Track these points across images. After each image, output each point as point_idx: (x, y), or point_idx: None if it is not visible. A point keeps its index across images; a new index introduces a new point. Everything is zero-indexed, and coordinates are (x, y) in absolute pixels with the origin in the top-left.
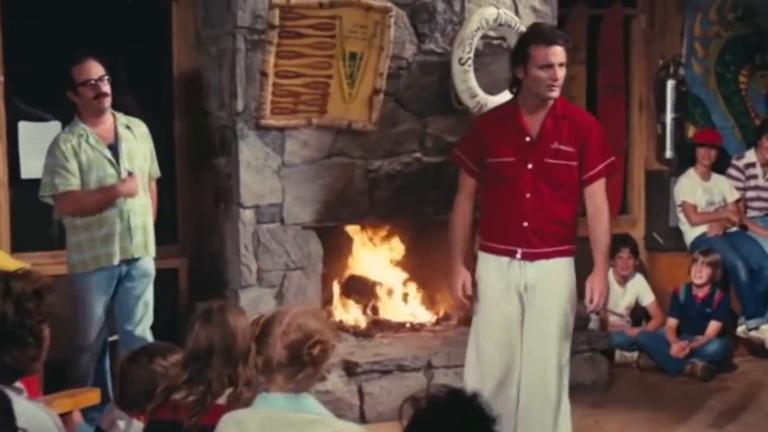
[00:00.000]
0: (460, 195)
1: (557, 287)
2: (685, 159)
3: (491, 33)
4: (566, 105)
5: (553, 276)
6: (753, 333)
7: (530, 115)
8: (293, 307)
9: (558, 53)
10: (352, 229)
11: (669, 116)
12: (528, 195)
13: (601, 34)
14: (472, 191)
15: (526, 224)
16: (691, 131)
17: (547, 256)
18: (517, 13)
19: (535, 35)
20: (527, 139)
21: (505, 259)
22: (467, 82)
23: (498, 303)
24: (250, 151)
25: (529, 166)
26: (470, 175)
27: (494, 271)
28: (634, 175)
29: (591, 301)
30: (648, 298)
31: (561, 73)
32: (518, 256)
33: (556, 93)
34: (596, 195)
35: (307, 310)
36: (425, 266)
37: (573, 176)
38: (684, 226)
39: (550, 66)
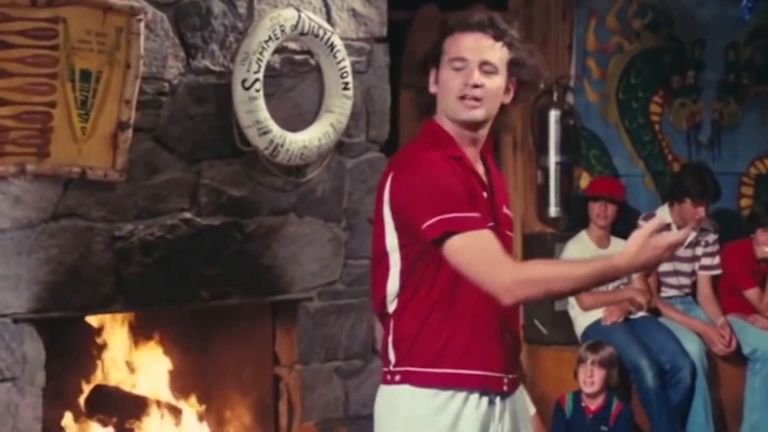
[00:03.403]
0: (505, 263)
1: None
2: (575, 218)
3: (292, 45)
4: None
5: (524, 412)
6: None
7: (474, 161)
8: None
9: (479, 45)
10: (95, 321)
11: (553, 160)
12: None
13: None
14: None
15: (508, 335)
16: (584, 180)
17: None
18: (329, 18)
19: (453, 21)
20: (484, 195)
21: (480, 397)
22: (255, 113)
23: None
24: None
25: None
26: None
27: (467, 418)
28: None
29: None
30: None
31: (483, 78)
32: (505, 387)
33: (477, 112)
34: None
35: None
36: (206, 370)
37: None
38: (574, 310)
39: (462, 61)
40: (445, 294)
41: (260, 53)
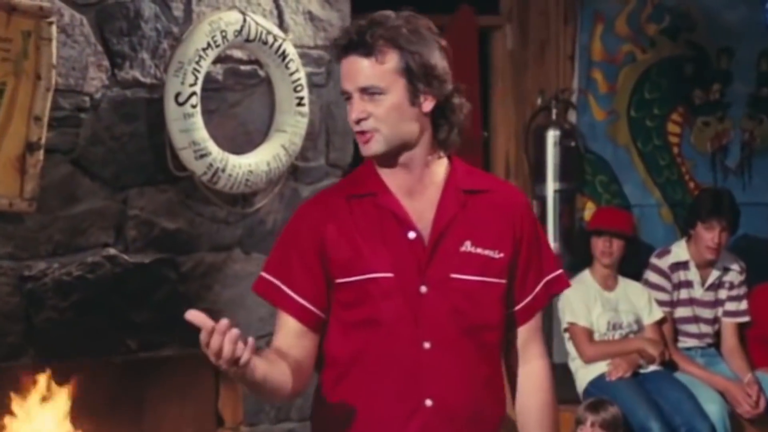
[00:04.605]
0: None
1: None
2: (577, 255)
3: (237, 53)
4: (473, 172)
5: None
6: None
7: (409, 193)
8: None
9: (353, 69)
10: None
11: (551, 188)
12: (427, 345)
13: None
14: (290, 351)
15: (429, 403)
16: (588, 211)
17: None
18: (281, 22)
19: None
20: (411, 235)
21: None
22: (191, 133)
23: None
24: None
25: (423, 288)
26: (296, 316)
27: None
28: None
29: None
30: None
31: (370, 106)
32: None
33: (370, 147)
34: (534, 340)
35: None
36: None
37: (501, 306)
38: (574, 362)
39: (346, 93)
40: (343, 349)
41: (197, 63)
